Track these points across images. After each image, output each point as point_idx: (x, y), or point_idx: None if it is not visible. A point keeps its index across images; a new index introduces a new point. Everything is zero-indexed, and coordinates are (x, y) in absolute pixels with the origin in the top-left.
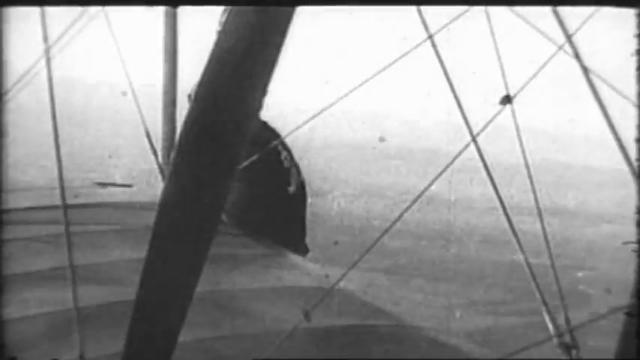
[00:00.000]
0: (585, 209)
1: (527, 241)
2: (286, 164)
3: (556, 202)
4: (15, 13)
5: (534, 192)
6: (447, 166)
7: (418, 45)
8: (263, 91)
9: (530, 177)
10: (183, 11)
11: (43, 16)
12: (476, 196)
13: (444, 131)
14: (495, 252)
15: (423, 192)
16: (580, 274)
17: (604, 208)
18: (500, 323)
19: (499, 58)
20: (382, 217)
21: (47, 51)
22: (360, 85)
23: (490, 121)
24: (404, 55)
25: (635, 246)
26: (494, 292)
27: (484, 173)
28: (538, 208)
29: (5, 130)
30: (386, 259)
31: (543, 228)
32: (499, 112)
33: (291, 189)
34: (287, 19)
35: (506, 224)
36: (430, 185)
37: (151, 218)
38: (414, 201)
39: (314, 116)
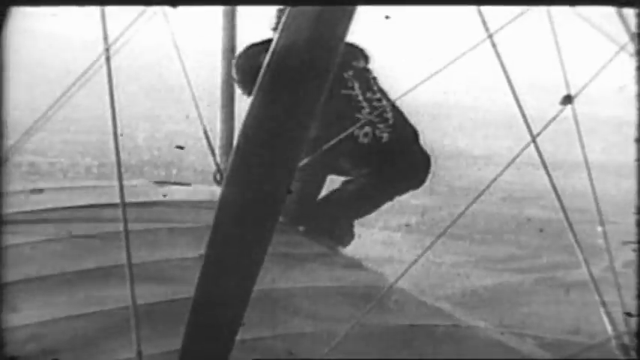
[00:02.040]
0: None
1: (548, 196)
2: None
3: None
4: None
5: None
6: (507, 166)
7: (478, 44)
8: (324, 87)
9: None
10: (242, 11)
11: (103, 15)
12: (503, 151)
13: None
14: (515, 208)
15: (488, 186)
16: (599, 228)
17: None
18: (505, 280)
19: (560, 57)
20: None
21: (107, 50)
22: (429, 77)
23: (550, 122)
24: (467, 52)
25: (635, 246)
26: (506, 248)
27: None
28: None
29: (5, 130)
30: (404, 217)
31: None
32: (560, 112)
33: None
34: (349, 16)
35: (527, 179)
36: (493, 182)
37: (209, 217)
38: (480, 194)
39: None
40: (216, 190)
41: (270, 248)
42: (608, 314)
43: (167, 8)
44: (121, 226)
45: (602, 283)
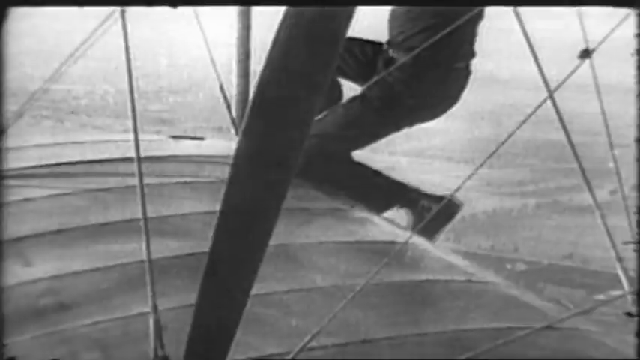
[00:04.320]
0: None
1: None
2: None
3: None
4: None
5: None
6: (529, 117)
7: None
8: (342, 38)
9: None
10: None
11: None
12: (526, 74)
13: None
14: (531, 131)
15: (510, 135)
16: (616, 151)
17: None
18: (506, 205)
19: (578, 10)
20: None
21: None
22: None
23: (568, 76)
24: None
25: (635, 246)
26: (515, 172)
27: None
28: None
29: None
30: (413, 140)
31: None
32: (578, 67)
33: None
34: None
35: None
36: (510, 135)
37: (223, 172)
38: (519, 126)
39: None
40: (231, 145)
41: (286, 203)
42: (625, 270)
43: None
44: (136, 181)
45: (609, 207)
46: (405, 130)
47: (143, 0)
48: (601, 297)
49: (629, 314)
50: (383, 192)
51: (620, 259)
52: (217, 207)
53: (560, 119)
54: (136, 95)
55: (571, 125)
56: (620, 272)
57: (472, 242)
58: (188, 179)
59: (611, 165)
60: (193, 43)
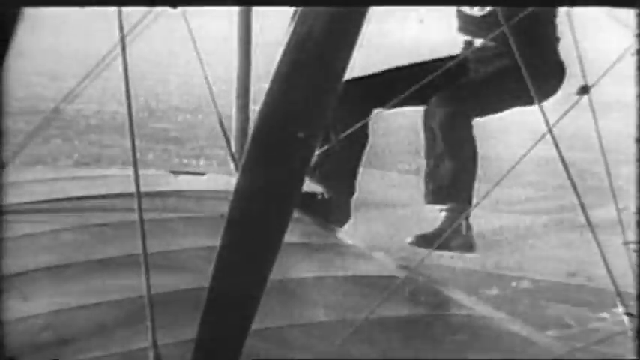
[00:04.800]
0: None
1: (577, 137)
2: None
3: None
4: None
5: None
6: (531, 148)
7: None
8: (342, 74)
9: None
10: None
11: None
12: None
13: None
14: (540, 149)
15: (524, 155)
16: (625, 169)
17: None
18: (513, 223)
19: (577, 45)
20: None
21: (122, 39)
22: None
23: (567, 112)
24: None
25: (635, 246)
26: (522, 190)
27: None
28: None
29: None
30: (421, 159)
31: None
32: (576, 103)
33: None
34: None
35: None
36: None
37: (223, 207)
38: (533, 145)
39: None
40: (232, 180)
41: (286, 237)
42: (618, 291)
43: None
44: (135, 216)
45: (616, 225)
46: (412, 147)
47: (143, 0)
48: (604, 315)
49: (629, 314)
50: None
51: (614, 281)
52: (217, 242)
53: (554, 142)
54: (145, 114)
55: (583, 142)
56: (618, 304)
57: (477, 260)
58: (188, 214)
59: (620, 183)
60: (206, 61)
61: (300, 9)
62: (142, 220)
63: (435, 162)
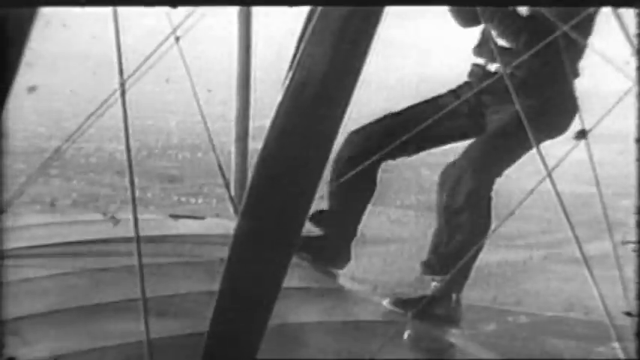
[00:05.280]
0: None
1: (571, 169)
2: None
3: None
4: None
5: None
6: (531, 192)
7: None
8: (340, 119)
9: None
10: (257, 41)
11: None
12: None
13: None
14: (534, 181)
15: (529, 193)
16: (625, 201)
17: None
18: (510, 257)
19: (575, 87)
20: None
21: (122, 84)
22: None
23: (564, 157)
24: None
25: (634, 246)
26: (517, 224)
27: None
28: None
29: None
30: (420, 194)
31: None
32: (574, 147)
33: None
34: (366, 45)
35: (551, 151)
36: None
37: (222, 251)
38: (533, 189)
39: None
40: (231, 224)
41: (285, 282)
42: (613, 324)
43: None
44: (134, 260)
45: (614, 258)
46: (413, 181)
47: (144, 1)
48: (602, 349)
49: (628, 314)
50: None
51: (608, 313)
52: (216, 287)
53: (553, 184)
54: (144, 153)
55: (590, 174)
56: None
57: (475, 295)
58: (187, 259)
59: (619, 215)
60: (205, 100)
61: (300, 54)
62: (141, 265)
63: (447, 220)
